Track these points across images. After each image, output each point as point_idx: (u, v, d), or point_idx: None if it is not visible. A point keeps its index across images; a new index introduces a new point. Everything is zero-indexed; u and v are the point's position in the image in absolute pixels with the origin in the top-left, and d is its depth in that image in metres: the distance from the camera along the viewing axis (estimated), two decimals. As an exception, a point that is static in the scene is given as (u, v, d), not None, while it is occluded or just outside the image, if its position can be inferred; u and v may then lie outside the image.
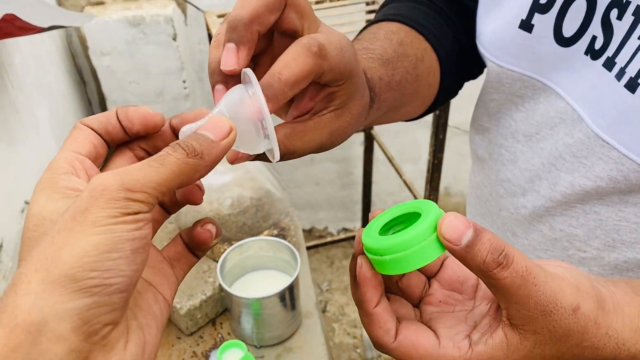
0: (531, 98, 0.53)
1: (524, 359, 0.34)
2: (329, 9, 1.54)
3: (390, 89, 0.49)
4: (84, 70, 1.69)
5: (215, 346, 0.92)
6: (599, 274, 0.51)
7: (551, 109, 0.50)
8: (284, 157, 0.38)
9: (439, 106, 0.63)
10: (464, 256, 0.32)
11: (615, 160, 0.44)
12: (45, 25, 0.93)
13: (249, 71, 0.34)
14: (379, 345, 0.36)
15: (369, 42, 0.52)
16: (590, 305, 0.34)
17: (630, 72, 0.42)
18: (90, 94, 1.75)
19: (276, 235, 1.02)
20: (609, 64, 0.45)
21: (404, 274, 0.38)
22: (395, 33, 0.55)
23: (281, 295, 0.87)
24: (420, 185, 2.27)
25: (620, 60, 0.43)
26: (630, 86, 0.42)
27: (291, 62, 0.34)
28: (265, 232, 1.01)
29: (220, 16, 1.51)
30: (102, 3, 1.61)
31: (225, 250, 0.99)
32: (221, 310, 0.97)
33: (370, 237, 0.35)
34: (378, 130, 2.04)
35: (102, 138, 0.35)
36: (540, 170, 0.53)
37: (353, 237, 2.40)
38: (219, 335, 0.94)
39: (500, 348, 0.34)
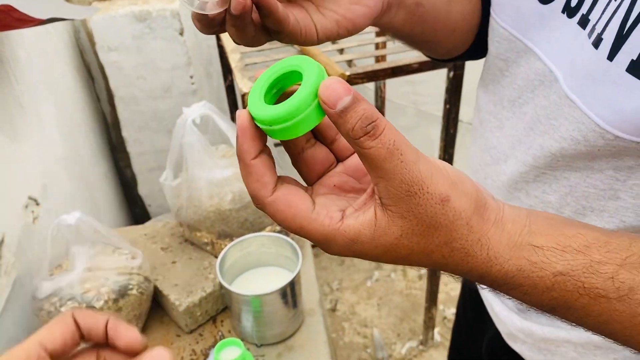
0: (514, 62, 0.53)
1: (392, 247, 0.33)
2: None
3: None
4: (92, 66, 1.68)
5: (215, 344, 0.90)
6: None
7: (531, 71, 0.50)
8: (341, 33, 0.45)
9: (478, 58, 0.63)
10: (337, 120, 0.32)
11: (577, 120, 0.43)
12: (45, 17, 0.91)
13: None
14: (255, 199, 0.35)
15: None
16: (463, 203, 0.33)
17: (598, 28, 0.41)
18: (99, 90, 1.74)
19: (279, 232, 0.99)
20: (584, 22, 0.44)
21: (312, 143, 0.39)
22: None
23: (282, 292, 0.84)
24: (432, 183, 2.23)
25: (593, 18, 0.43)
26: (596, 42, 0.41)
27: None
28: (268, 228, 0.98)
29: (226, 10, 1.49)
30: (109, -2, 1.60)
31: (225, 246, 0.97)
32: (222, 308, 0.95)
33: (256, 105, 0.35)
34: (389, 126, 2.00)
35: (81, 335, 0.36)
36: (521, 135, 0.52)
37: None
38: (219, 333, 0.92)
39: (368, 226, 0.33)
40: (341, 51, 1.30)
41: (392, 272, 2.20)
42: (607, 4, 0.42)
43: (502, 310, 0.65)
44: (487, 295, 0.70)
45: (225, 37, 1.34)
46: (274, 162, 0.36)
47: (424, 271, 2.19)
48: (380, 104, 1.86)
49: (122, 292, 0.85)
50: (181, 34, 1.57)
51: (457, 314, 0.99)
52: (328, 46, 1.31)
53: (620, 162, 0.43)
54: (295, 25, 0.43)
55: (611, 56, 0.40)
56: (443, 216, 0.32)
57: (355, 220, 0.33)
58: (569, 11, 0.46)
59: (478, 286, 0.73)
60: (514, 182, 0.54)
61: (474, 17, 0.59)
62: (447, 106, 1.26)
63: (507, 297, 0.36)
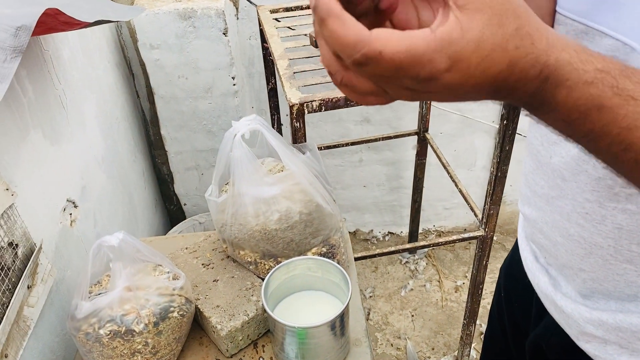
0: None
1: (480, 41, 0.35)
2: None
3: None
4: (133, 63, 1.65)
5: (256, 371, 0.86)
6: None
7: (598, 49, 0.49)
8: None
9: None
10: None
11: None
12: (91, 20, 0.88)
13: None
14: (355, 43, 0.34)
15: None
16: None
17: None
18: (139, 87, 1.71)
19: (325, 253, 0.94)
20: None
21: None
22: None
23: (331, 324, 0.79)
24: (473, 192, 2.15)
25: None
26: None
27: None
28: (314, 250, 0.93)
29: (273, 11, 1.44)
30: (153, -6, 1.56)
31: (269, 266, 0.92)
32: (264, 332, 0.91)
33: None
34: (432, 133, 1.93)
35: None
36: None
37: (400, 243, 2.31)
38: (261, 359, 0.87)
39: (455, 28, 0.34)
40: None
41: (427, 282, 2.13)
42: None
43: (567, 304, 0.64)
44: (547, 291, 0.68)
45: (272, 41, 1.29)
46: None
47: (460, 282, 2.12)
48: (425, 111, 1.79)
49: (163, 315, 0.81)
50: (225, 33, 1.52)
51: (491, 321, 0.95)
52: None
53: None
54: None
55: None
56: (508, 2, 0.35)
57: (443, 28, 0.34)
58: None
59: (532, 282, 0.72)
60: (583, 154, 0.52)
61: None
62: (505, 122, 1.19)
63: (545, 110, 0.38)
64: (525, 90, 0.37)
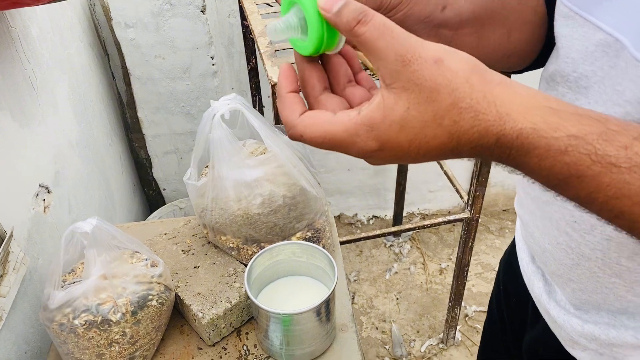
0: (568, 36, 0.49)
1: (404, 122, 0.35)
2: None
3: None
4: (108, 42, 1.59)
5: (240, 359, 0.83)
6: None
7: (589, 43, 0.46)
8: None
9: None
10: (335, 21, 0.37)
11: None
12: (60, -6, 0.82)
13: None
14: (287, 125, 0.40)
15: None
16: (458, 63, 0.34)
17: None
18: (114, 68, 1.65)
19: (310, 237, 0.91)
20: None
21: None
22: None
23: (317, 310, 0.76)
24: (458, 174, 2.14)
25: None
26: None
27: None
28: (298, 234, 0.90)
29: (253, -13, 1.38)
30: (127, -30, 1.49)
31: (252, 251, 0.89)
32: (247, 319, 0.88)
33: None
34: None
35: None
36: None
37: (384, 226, 2.29)
38: (244, 347, 0.84)
39: (378, 108, 0.36)
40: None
41: (411, 265, 2.12)
42: None
43: (559, 314, 0.61)
44: (541, 297, 0.65)
45: (253, 18, 1.24)
46: (304, 102, 0.41)
47: (444, 265, 2.11)
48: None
49: (141, 304, 0.77)
50: (203, 11, 1.47)
51: (490, 313, 0.93)
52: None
53: None
54: None
55: None
56: (441, 76, 0.34)
57: (367, 110, 0.36)
58: None
59: (528, 287, 0.69)
60: None
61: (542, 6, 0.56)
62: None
63: (523, 173, 0.36)
64: (490, 156, 0.36)
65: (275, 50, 1.11)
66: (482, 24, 0.52)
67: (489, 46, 0.54)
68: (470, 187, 1.37)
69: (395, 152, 0.36)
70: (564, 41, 0.50)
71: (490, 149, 0.35)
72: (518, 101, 0.34)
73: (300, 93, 0.43)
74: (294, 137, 0.39)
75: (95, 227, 0.71)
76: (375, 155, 0.37)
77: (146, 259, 0.82)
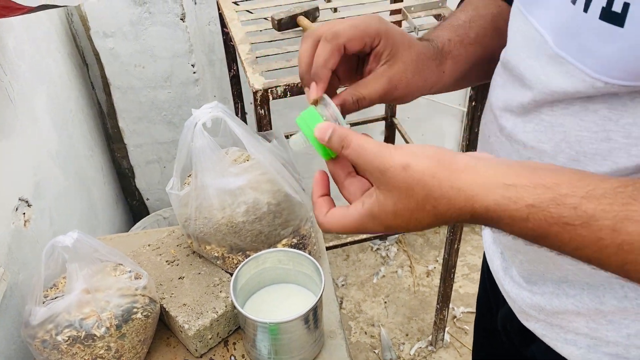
0: (511, 29, 0.57)
1: (397, 212, 0.45)
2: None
3: (465, 45, 0.62)
4: (86, 52, 1.57)
5: (227, 370, 0.82)
6: None
7: (523, 37, 0.53)
8: (358, 103, 0.56)
9: None
10: (328, 146, 0.49)
11: (569, 73, 0.47)
12: (34, 5, 0.81)
13: (325, 97, 0.55)
14: (317, 222, 0.51)
15: (445, 21, 0.66)
16: (423, 163, 0.43)
17: None
18: (93, 77, 1.63)
19: (296, 244, 0.91)
20: None
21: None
22: (470, 3, 0.66)
23: (305, 318, 0.76)
24: (442, 176, 2.15)
25: None
26: (581, 2, 0.44)
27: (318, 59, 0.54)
28: (284, 241, 0.89)
29: (232, -6, 1.38)
30: (104, -21, 1.48)
31: (237, 260, 0.88)
32: (234, 329, 0.87)
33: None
34: (400, 118, 1.91)
35: None
36: (514, 90, 0.56)
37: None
38: (232, 358, 0.83)
39: (375, 203, 0.46)
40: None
41: (398, 268, 2.12)
42: None
43: (512, 288, 0.66)
44: (499, 274, 0.70)
45: (232, 25, 1.24)
46: (331, 200, 0.52)
47: (431, 267, 2.11)
48: (391, 95, 1.76)
49: (126, 317, 0.76)
50: (182, 19, 1.46)
51: (479, 311, 0.95)
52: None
53: (615, 99, 0.46)
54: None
55: (586, 8, 0.43)
56: (410, 178, 0.43)
57: (368, 204, 0.47)
58: None
59: (490, 268, 0.76)
60: (514, 134, 0.57)
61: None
62: (473, 103, 1.17)
63: (500, 231, 0.43)
64: (473, 223, 0.44)
65: (257, 57, 1.10)
66: (485, 51, 0.63)
67: (493, 65, 0.64)
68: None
69: (399, 229, 0.46)
70: (511, 34, 0.57)
71: (470, 220, 0.43)
72: (480, 182, 0.42)
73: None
74: (325, 231, 0.51)
75: (76, 240, 0.70)
76: (386, 232, 0.47)
77: (130, 271, 0.80)
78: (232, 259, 0.89)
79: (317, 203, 0.52)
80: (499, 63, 0.62)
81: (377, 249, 2.20)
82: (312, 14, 1.21)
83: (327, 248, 1.30)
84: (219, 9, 1.37)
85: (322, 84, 0.54)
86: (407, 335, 1.89)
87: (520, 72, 0.54)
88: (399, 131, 1.75)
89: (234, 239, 0.86)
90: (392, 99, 0.58)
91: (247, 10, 1.34)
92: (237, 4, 1.36)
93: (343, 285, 2.07)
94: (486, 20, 0.64)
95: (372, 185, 0.51)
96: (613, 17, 0.41)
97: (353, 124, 1.78)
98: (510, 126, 0.58)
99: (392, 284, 2.07)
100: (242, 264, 0.81)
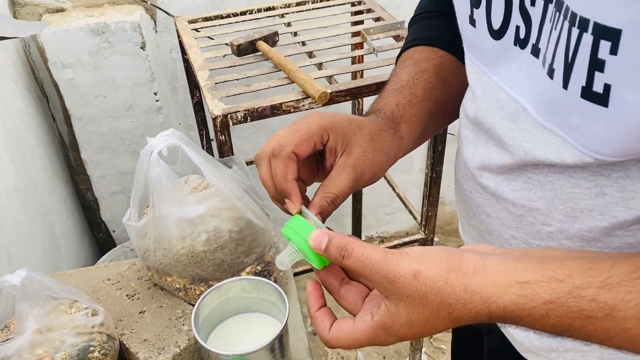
0: (479, 89, 0.55)
1: (410, 323, 0.43)
2: (313, 11, 1.41)
3: (414, 104, 0.61)
4: (46, 83, 1.54)
5: (192, 407, 0.79)
6: (568, 246, 0.53)
7: (495, 100, 0.52)
8: (333, 203, 0.54)
9: None
10: (325, 256, 0.47)
11: (557, 146, 0.46)
12: (-20, 37, 0.79)
13: (304, 209, 0.53)
14: (321, 339, 0.48)
15: (388, 84, 0.65)
16: (434, 269, 0.41)
17: (548, 57, 0.43)
18: (54, 109, 1.60)
19: (260, 271, 0.88)
20: (536, 51, 0.46)
21: None
22: (410, 58, 0.66)
23: (270, 348, 0.73)
24: (412, 195, 2.15)
25: (542, 46, 0.45)
26: (550, 73, 0.43)
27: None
28: (248, 269, 0.87)
29: (191, 21, 1.37)
30: (62, 10, 1.46)
31: (200, 291, 0.86)
32: (199, 363, 0.84)
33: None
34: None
35: None
36: (493, 153, 0.55)
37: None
38: (197, 393, 0.80)
39: (385, 314, 0.43)
40: (319, 66, 1.20)
41: (373, 290, 2.11)
42: (550, 32, 0.42)
43: (518, 331, 0.63)
44: None
45: (192, 52, 1.23)
46: (331, 311, 0.50)
47: (406, 287, 2.10)
48: (357, 117, 1.77)
49: (82, 357, 0.73)
50: (143, 47, 1.44)
51: (455, 331, 0.94)
52: (306, 60, 1.21)
53: (595, 173, 0.46)
54: None
55: (565, 85, 0.41)
56: (423, 286, 0.41)
57: (378, 316, 0.44)
58: (520, 43, 0.47)
59: None
60: (501, 192, 0.56)
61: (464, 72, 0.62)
62: (435, 122, 1.18)
63: (524, 329, 0.41)
64: (493, 323, 0.42)
65: (216, 83, 1.09)
66: (425, 129, 0.64)
67: (431, 132, 0.66)
68: (422, 208, 1.37)
69: (414, 338, 0.45)
70: (477, 92, 0.56)
71: (489, 321, 0.41)
72: (493, 283, 0.40)
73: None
74: (332, 348, 0.48)
75: (25, 278, 0.67)
76: (399, 341, 0.45)
77: (86, 308, 0.77)
78: (195, 290, 0.86)
79: (316, 318, 0.49)
80: (467, 118, 0.60)
81: (351, 271, 2.19)
82: (271, 39, 1.21)
83: (296, 274, 1.28)
84: (179, 37, 1.36)
85: (295, 196, 0.53)
86: (384, 358, 1.87)
87: (497, 134, 0.53)
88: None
89: (195, 269, 0.84)
90: (363, 184, 0.56)
91: (208, 37, 1.34)
92: (198, 31, 1.35)
93: (318, 309, 2.04)
94: (430, 73, 0.63)
95: (371, 290, 0.49)
96: (596, 96, 0.39)
97: (320, 147, 1.78)
98: (493, 185, 0.56)
99: (367, 306, 2.05)
100: (204, 294, 0.79)
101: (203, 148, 1.61)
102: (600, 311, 0.37)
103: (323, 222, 0.53)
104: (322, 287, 0.51)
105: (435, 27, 0.68)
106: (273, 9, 1.39)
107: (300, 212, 0.53)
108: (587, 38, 0.38)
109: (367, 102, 1.76)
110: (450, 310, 0.41)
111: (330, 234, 0.46)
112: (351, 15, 1.41)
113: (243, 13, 1.37)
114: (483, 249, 0.44)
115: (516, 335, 0.65)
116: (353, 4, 1.43)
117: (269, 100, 1.03)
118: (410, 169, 2.13)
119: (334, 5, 1.42)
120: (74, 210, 1.72)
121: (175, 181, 0.80)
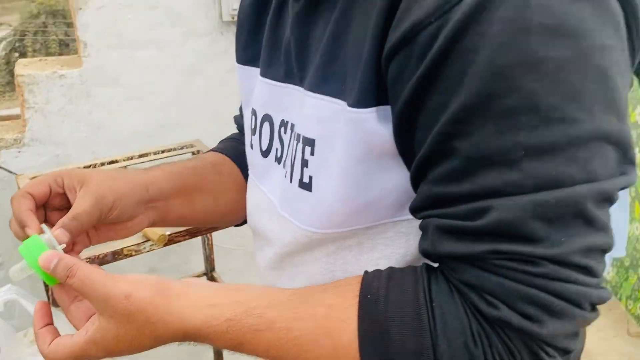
0: (250, 196, 0.71)
1: (117, 340, 0.49)
2: (155, 162, 1.54)
3: (171, 177, 0.69)
4: None
5: None
6: None
7: (260, 202, 0.67)
8: (75, 219, 0.57)
9: None
10: (53, 275, 0.52)
11: (290, 229, 0.58)
12: None
13: (44, 226, 0.57)
14: (41, 354, 0.53)
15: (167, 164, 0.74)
16: (144, 292, 0.49)
17: (287, 166, 0.58)
18: None
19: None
20: (283, 164, 0.61)
21: None
22: (195, 158, 0.78)
23: None
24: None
25: (283, 158, 0.61)
26: (286, 174, 0.58)
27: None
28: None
29: (34, 178, 1.43)
30: None
31: None
32: None
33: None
34: (220, 271, 2.00)
35: None
36: (263, 248, 0.68)
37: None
38: None
39: (97, 330, 0.50)
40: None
41: None
42: (289, 148, 0.59)
43: None
44: None
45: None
46: (55, 329, 0.54)
47: None
48: (208, 251, 1.87)
49: None
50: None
51: None
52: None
53: (329, 247, 0.57)
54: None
55: (291, 180, 0.57)
56: (132, 306, 0.48)
57: (92, 330, 0.50)
58: (278, 159, 0.63)
59: None
60: (278, 286, 0.64)
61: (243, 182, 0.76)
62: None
63: (212, 345, 0.50)
64: (191, 341, 0.51)
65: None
66: (188, 194, 0.71)
67: (201, 210, 0.73)
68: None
69: (122, 353, 0.50)
70: (250, 204, 0.70)
71: (186, 339, 0.50)
72: (189, 305, 0.49)
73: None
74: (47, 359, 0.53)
75: None
76: (109, 356, 0.51)
77: None
78: None
79: (39, 334, 0.53)
80: (252, 231, 0.73)
81: None
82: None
83: None
84: (21, 193, 1.40)
85: (29, 221, 0.56)
86: None
87: (264, 232, 0.66)
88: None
89: (35, 423, 0.84)
90: (110, 207, 0.60)
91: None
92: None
93: None
94: (202, 162, 0.75)
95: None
96: (305, 185, 0.55)
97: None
98: (273, 280, 0.68)
99: None
100: None
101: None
102: (263, 325, 0.48)
103: (73, 240, 0.58)
104: (50, 307, 0.57)
105: (231, 147, 0.81)
106: (116, 162, 1.50)
107: (40, 233, 0.56)
108: (300, 146, 0.55)
109: (216, 237, 1.88)
110: (153, 329, 0.48)
111: (61, 255, 0.52)
112: (191, 162, 1.55)
113: (87, 167, 1.46)
114: (196, 281, 0.53)
115: None
116: (193, 153, 1.59)
117: (109, 246, 1.10)
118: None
119: (176, 155, 1.56)
120: None
121: (11, 336, 0.83)
